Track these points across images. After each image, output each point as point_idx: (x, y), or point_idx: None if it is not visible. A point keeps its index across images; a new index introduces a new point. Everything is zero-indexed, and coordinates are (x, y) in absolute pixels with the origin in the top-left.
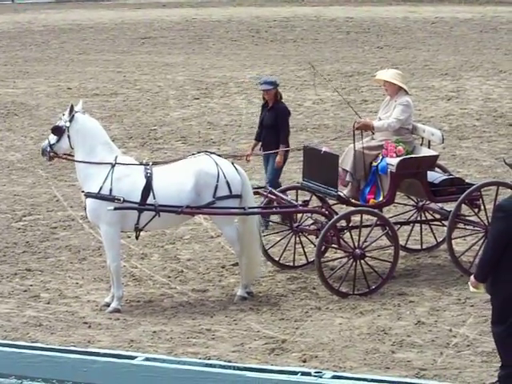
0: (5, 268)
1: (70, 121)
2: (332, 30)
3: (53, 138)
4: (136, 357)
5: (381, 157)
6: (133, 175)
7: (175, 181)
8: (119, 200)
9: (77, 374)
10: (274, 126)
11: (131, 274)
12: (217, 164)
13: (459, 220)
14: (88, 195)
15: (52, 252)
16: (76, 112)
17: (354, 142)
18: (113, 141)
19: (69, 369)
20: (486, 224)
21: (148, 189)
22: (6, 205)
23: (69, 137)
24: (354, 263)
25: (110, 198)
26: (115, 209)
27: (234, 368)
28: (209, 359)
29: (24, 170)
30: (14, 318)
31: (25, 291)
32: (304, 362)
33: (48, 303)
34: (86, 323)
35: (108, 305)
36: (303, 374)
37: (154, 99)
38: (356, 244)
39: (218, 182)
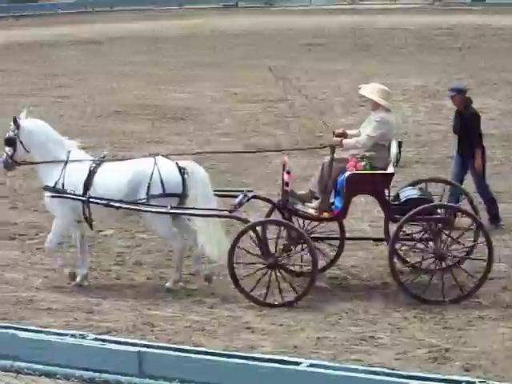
0: (170, 272)
1: (18, 129)
2: (498, 39)
3: (9, 150)
4: (300, 363)
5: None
6: (81, 169)
7: (113, 177)
8: (69, 193)
9: (240, 379)
10: (464, 132)
11: (295, 279)
12: (155, 164)
13: (402, 242)
14: (44, 189)
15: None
16: (20, 119)
17: (331, 158)
18: (278, 147)
19: (232, 374)
20: (436, 248)
21: (89, 182)
22: None
23: (21, 143)
24: (270, 272)
25: (59, 191)
26: (52, 197)
27: (399, 376)
28: (372, 366)
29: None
30: (177, 321)
31: (188, 295)
32: (467, 371)
33: (211, 308)
34: (248, 328)
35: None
36: (468, 383)
37: (319, 106)
38: (273, 253)
39: (150, 180)
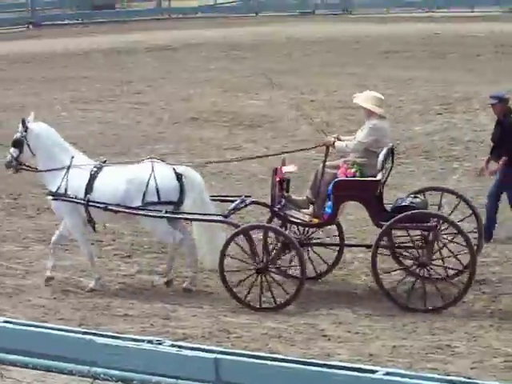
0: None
1: (26, 131)
2: None
3: (14, 151)
4: (376, 371)
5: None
6: (82, 174)
7: (112, 182)
8: (71, 197)
9: None
10: (499, 140)
11: (370, 288)
12: (152, 171)
13: (384, 250)
14: (48, 194)
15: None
16: (28, 122)
17: (324, 161)
18: None
19: (308, 381)
20: (419, 257)
21: (90, 185)
22: (252, 217)
23: (28, 145)
24: (259, 277)
25: (62, 196)
26: (53, 199)
27: None
28: (448, 375)
29: (265, 181)
30: (254, 328)
31: (266, 303)
32: None
33: (288, 315)
34: (325, 336)
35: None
36: None
37: (396, 113)
38: (262, 258)
39: (146, 188)
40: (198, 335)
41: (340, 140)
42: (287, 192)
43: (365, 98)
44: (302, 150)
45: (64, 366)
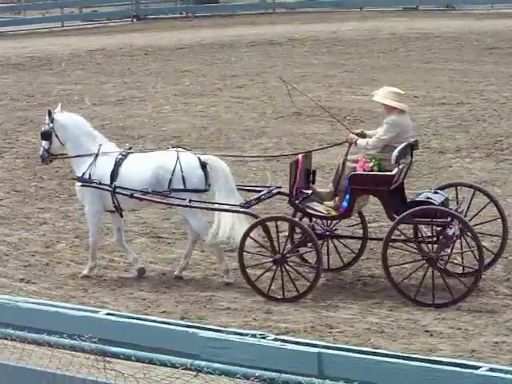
0: (348, 274)
1: (52, 122)
2: None
3: (46, 144)
4: (480, 367)
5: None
6: (108, 161)
7: (138, 169)
8: (95, 183)
9: (419, 381)
10: None
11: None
12: (178, 159)
13: (393, 244)
14: (73, 179)
15: (397, 260)
16: (54, 113)
17: (346, 155)
18: (457, 151)
19: (411, 376)
20: (428, 251)
21: (115, 172)
22: None
23: (57, 136)
24: (279, 268)
25: (87, 181)
26: (82, 185)
27: None
28: None
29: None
30: (356, 323)
31: (367, 298)
32: None
33: (390, 310)
34: (427, 331)
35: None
36: None
37: (500, 110)
38: (280, 249)
39: (172, 175)
40: (300, 329)
41: (364, 135)
42: (313, 183)
43: (383, 95)
44: (325, 147)
45: (167, 358)
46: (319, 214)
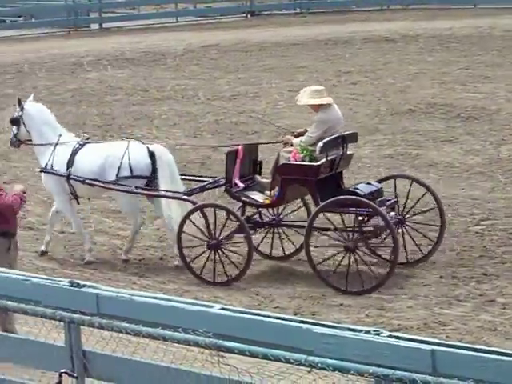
0: (462, 271)
1: (22, 110)
2: None
3: (15, 129)
4: None
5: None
6: (66, 150)
7: (90, 157)
8: (54, 172)
9: None
10: None
11: None
12: (127, 148)
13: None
14: (39, 171)
15: (509, 257)
16: (25, 102)
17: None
18: None
19: None
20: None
21: (71, 161)
22: (465, 208)
23: (24, 124)
24: (211, 252)
25: (49, 172)
26: (40, 171)
27: None
28: None
29: (483, 174)
30: (469, 321)
31: (480, 295)
32: None
33: (504, 308)
34: None
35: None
36: None
37: None
38: (213, 235)
39: (120, 163)
40: (413, 326)
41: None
42: (260, 174)
43: (305, 96)
44: (264, 143)
45: (281, 353)
46: (253, 202)
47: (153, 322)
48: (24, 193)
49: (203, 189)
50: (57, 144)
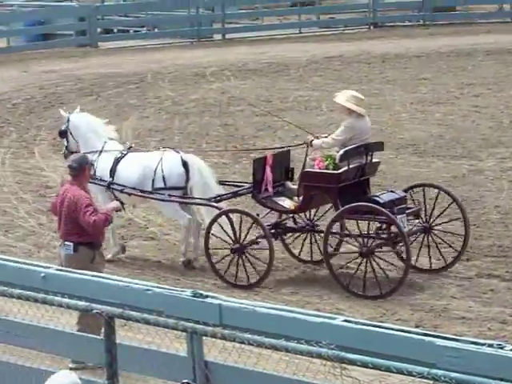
0: None
1: (67, 122)
2: None
3: (64, 141)
4: None
5: None
6: (109, 159)
7: (130, 168)
8: (100, 180)
9: None
10: None
11: None
12: (160, 160)
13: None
14: None
15: None
16: (69, 114)
17: (306, 155)
18: None
19: None
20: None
21: (113, 169)
22: None
23: (71, 134)
24: (237, 257)
25: (95, 179)
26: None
27: None
28: None
29: None
30: None
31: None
32: None
33: None
34: None
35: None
36: None
37: None
38: (238, 239)
39: (154, 175)
40: None
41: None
42: (291, 180)
43: (345, 98)
44: (287, 147)
45: (403, 366)
46: (278, 207)
47: (275, 334)
48: (117, 211)
49: (235, 194)
50: (101, 151)
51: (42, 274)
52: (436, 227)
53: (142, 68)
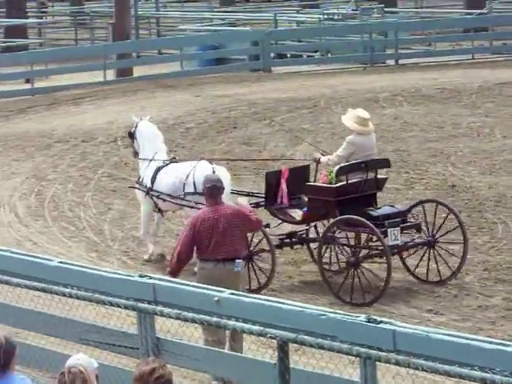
0: None
1: (136, 127)
2: None
3: (132, 142)
4: None
5: None
6: (153, 168)
7: (167, 175)
8: (145, 186)
9: None
10: None
11: None
12: (194, 167)
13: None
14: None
15: None
16: (141, 120)
17: (316, 171)
18: None
19: None
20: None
21: (154, 177)
22: None
23: (135, 138)
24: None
25: (141, 185)
26: (129, 187)
27: None
28: None
29: None
30: None
31: None
32: None
33: None
34: None
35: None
36: None
37: None
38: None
39: (186, 180)
40: None
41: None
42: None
43: (349, 117)
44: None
45: None
46: (287, 218)
47: (448, 360)
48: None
49: (258, 205)
50: (151, 160)
51: (216, 298)
52: (440, 239)
53: (315, 93)
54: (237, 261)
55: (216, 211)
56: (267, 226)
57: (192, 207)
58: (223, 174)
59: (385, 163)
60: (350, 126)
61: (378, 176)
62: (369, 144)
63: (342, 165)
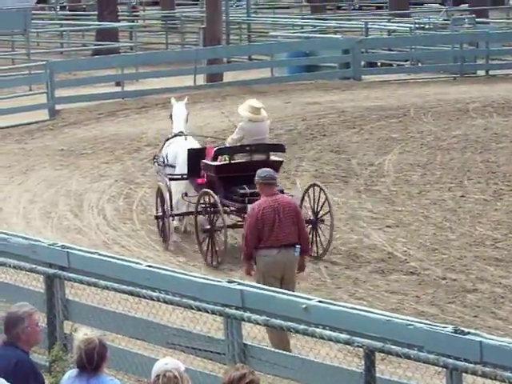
0: None
1: (173, 107)
2: None
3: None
4: None
5: None
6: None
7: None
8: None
9: None
10: None
11: None
12: (171, 142)
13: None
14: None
15: None
16: (176, 102)
17: None
18: None
19: None
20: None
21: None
22: None
23: (171, 117)
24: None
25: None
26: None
27: None
28: None
29: None
30: None
31: None
32: None
33: None
34: None
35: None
36: None
37: None
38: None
39: (160, 152)
40: None
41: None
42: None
43: (243, 107)
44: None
45: None
46: (197, 190)
47: None
48: None
49: (182, 178)
50: (169, 138)
51: (304, 305)
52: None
53: (405, 102)
54: (297, 246)
55: (275, 200)
56: (186, 194)
57: (163, 179)
58: (193, 143)
59: (277, 148)
60: (242, 115)
61: (274, 158)
62: (258, 130)
63: (222, 146)
